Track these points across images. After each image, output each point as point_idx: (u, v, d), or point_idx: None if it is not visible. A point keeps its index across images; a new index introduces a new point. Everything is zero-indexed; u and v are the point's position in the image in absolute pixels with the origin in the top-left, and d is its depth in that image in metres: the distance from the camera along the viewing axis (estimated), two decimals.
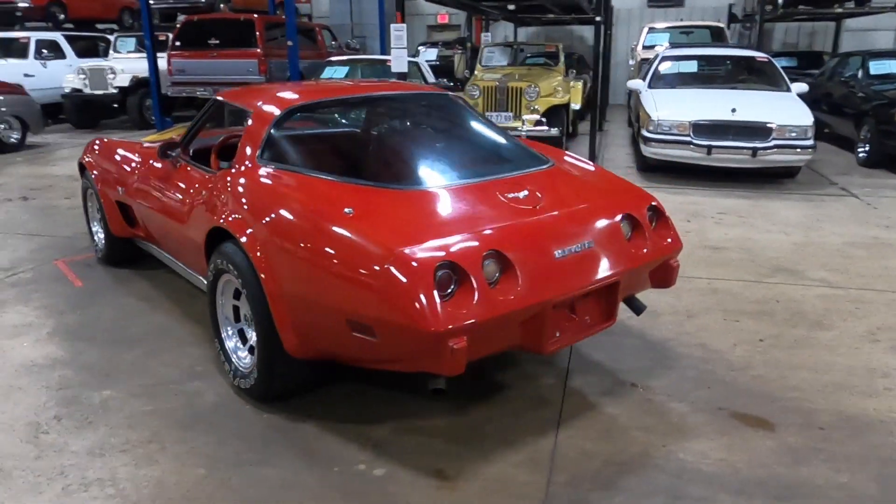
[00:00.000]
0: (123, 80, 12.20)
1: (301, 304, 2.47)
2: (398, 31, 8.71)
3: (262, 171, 2.88)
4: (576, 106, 10.62)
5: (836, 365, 3.26)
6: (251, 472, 2.47)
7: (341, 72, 10.63)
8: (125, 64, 12.55)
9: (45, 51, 13.08)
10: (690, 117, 7.23)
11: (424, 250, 2.23)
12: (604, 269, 2.61)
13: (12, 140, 10.00)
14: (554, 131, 8.63)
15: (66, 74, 12.53)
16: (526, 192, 2.74)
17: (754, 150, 6.99)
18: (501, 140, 3.44)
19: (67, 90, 12.35)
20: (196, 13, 14.01)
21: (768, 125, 7.04)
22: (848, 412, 2.86)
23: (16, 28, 15.31)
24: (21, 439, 2.69)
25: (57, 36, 13.59)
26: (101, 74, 12.24)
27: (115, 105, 12.36)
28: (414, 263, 2.19)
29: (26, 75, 12.52)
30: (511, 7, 11.59)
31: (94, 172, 4.49)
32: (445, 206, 2.58)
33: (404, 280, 2.17)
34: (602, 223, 2.71)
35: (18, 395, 3.03)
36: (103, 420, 2.83)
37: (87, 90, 12.28)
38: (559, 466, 2.49)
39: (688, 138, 7.20)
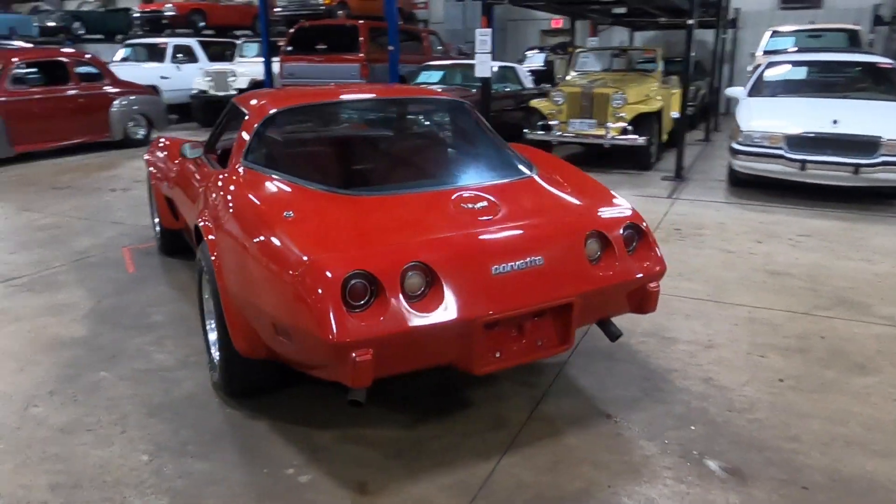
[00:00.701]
0: (243, 83, 13.07)
1: (242, 305, 2.52)
2: (483, 37, 8.67)
3: (241, 173, 2.96)
4: (676, 114, 10.06)
5: (858, 416, 2.84)
6: (187, 464, 2.55)
7: (436, 76, 10.76)
8: (246, 67, 13.45)
9: (180, 55, 14.29)
10: (784, 129, 6.61)
11: (340, 259, 2.19)
12: (552, 290, 2.43)
13: (139, 136, 11.00)
14: (641, 140, 8.21)
15: (195, 77, 13.63)
16: (485, 203, 2.62)
17: (856, 167, 6.26)
18: (487, 148, 3.31)
19: (195, 91, 13.40)
20: (317, 19, 14.72)
21: (876, 139, 6.28)
22: (846, 472, 2.48)
23: (164, 34, 16.87)
24: (12, 410, 2.94)
25: (192, 42, 14.79)
26: (223, 77, 13.20)
27: None
28: (326, 272, 2.16)
29: (162, 77, 13.77)
30: (617, 11, 11.16)
31: (151, 169, 4.84)
32: (389, 214, 2.52)
33: (313, 288, 2.15)
34: (560, 240, 2.53)
35: (31, 369, 3.31)
36: (88, 400, 3.03)
37: (212, 91, 13.26)
38: (485, 495, 2.36)
39: (780, 152, 6.58)
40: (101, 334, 3.71)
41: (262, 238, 2.40)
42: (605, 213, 2.73)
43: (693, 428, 2.77)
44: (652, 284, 2.70)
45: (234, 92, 13.07)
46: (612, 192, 2.97)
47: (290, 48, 12.10)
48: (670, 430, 2.75)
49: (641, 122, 8.28)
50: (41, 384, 3.17)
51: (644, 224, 2.78)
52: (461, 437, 2.70)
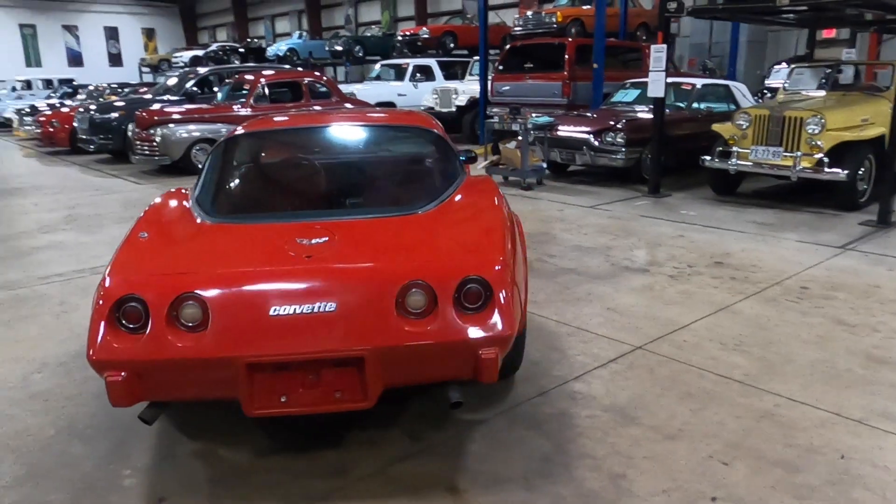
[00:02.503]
0: (463, 100, 13.75)
1: None
2: (658, 53, 7.97)
3: (173, 193, 3.25)
4: None
5: None
6: (70, 445, 2.88)
7: (633, 94, 10.10)
8: (470, 86, 14.10)
9: (418, 74, 15.52)
10: None
11: (119, 282, 2.31)
12: (339, 340, 2.23)
13: None
14: (842, 175, 6.74)
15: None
16: (324, 240, 2.49)
17: None
18: (410, 177, 3.08)
19: (423, 107, 14.44)
20: (549, 37, 14.79)
21: None
22: None
23: (422, 54, 18.41)
24: (22, 373, 3.60)
25: (430, 62, 15.96)
26: (448, 94, 14.03)
27: (455, 121, 13.99)
28: (105, 291, 2.29)
29: (399, 94, 15.12)
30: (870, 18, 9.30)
31: None
32: (219, 244, 2.57)
33: (96, 304, 2.30)
34: (364, 288, 2.30)
35: (71, 342, 3.99)
36: (75, 375, 3.56)
37: (437, 108, 14.17)
38: None
39: None
40: None
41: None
42: (449, 264, 2.38)
43: None
44: (485, 351, 2.30)
45: (454, 109, 13.83)
46: (499, 244, 2.53)
47: (501, 67, 12.38)
48: None
49: (842, 153, 6.80)
50: (62, 355, 3.81)
51: (501, 287, 2.35)
52: (291, 477, 2.62)
